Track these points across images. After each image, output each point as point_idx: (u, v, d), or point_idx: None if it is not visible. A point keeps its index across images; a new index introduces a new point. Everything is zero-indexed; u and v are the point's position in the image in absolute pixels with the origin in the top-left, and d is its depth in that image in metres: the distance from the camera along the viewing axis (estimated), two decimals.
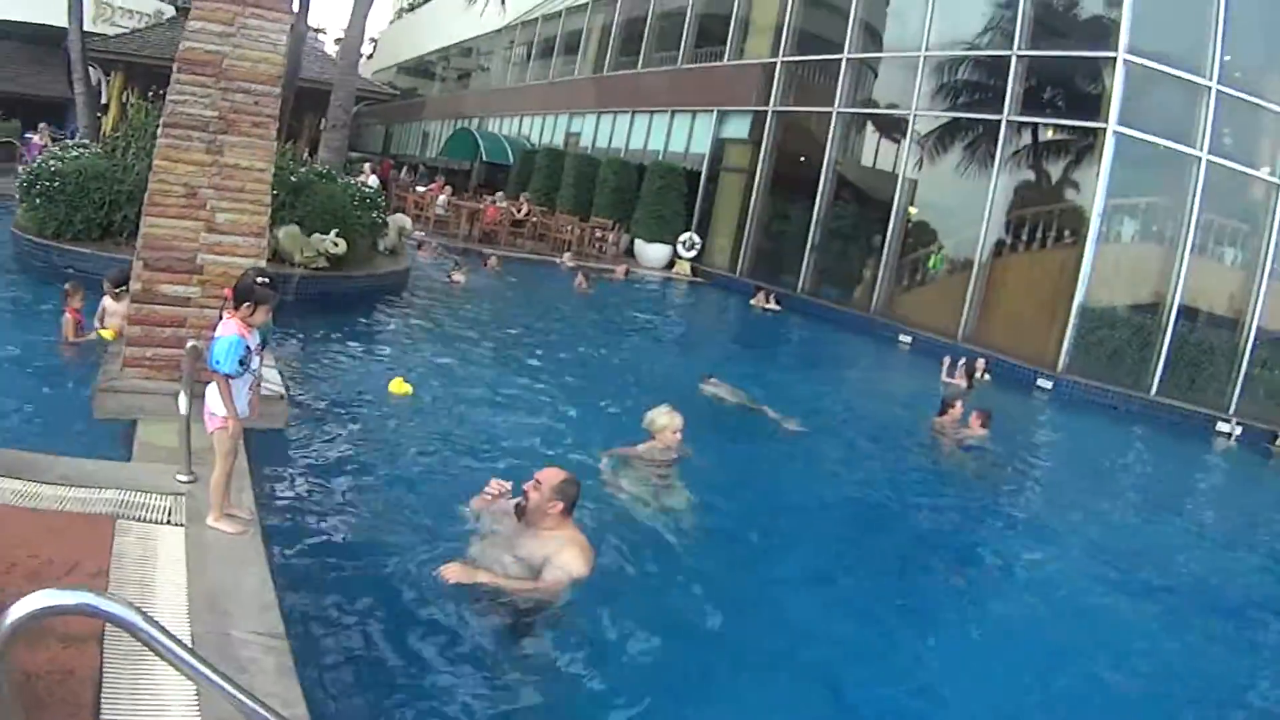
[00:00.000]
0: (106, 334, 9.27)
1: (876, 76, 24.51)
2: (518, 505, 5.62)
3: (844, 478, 9.66)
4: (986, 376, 16.17)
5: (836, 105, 23.94)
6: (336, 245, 13.42)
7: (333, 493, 6.57)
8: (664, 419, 7.88)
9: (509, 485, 5.89)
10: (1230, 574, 8.84)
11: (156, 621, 2.38)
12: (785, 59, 25.99)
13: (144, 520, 5.06)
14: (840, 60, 24.01)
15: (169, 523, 5.08)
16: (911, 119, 22.11)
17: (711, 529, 7.18)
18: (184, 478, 5.55)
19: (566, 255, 24.72)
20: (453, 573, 5.19)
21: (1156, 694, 5.93)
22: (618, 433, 8.60)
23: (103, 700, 3.42)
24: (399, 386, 9.22)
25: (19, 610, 2.29)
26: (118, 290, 9.22)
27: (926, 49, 21.80)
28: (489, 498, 5.93)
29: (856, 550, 7.68)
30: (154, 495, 5.35)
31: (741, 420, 10.66)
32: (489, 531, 5.76)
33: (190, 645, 2.81)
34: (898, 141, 22.92)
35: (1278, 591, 8.75)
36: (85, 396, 7.32)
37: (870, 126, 24.58)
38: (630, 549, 6.27)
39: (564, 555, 5.38)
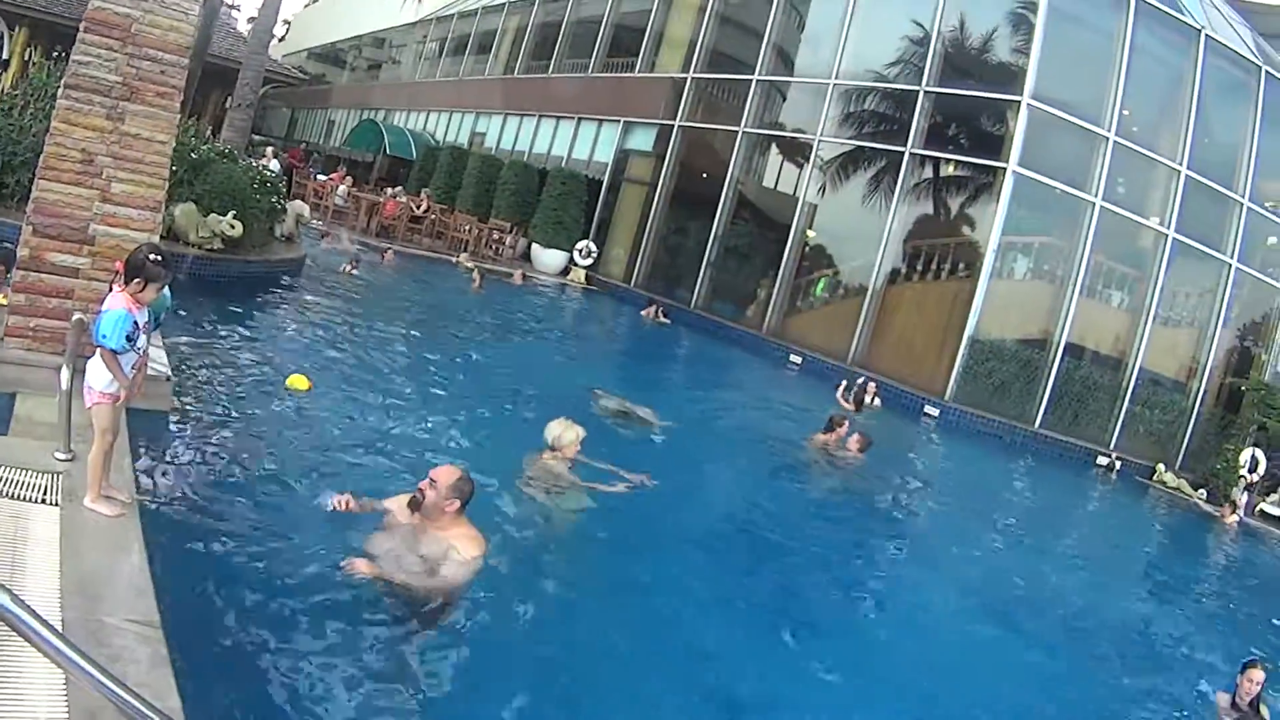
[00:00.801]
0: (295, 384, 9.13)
1: (785, 100, 24.30)
2: (413, 500, 5.58)
3: (727, 489, 9.85)
4: (877, 401, 16.02)
5: (743, 125, 23.63)
6: (233, 227, 12.97)
7: (217, 479, 6.35)
8: (570, 434, 7.77)
9: (352, 501, 5.78)
10: (1101, 600, 9.15)
11: (26, 604, 2.29)
12: (696, 75, 25.63)
13: (17, 498, 4.78)
14: (750, 81, 23.75)
15: (44, 501, 4.80)
16: (816, 144, 21.86)
17: (600, 537, 7.25)
18: (62, 455, 5.27)
19: (464, 255, 24.00)
20: (359, 568, 5.16)
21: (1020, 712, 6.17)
22: (506, 433, 8.82)
23: None
24: (298, 382, 8.83)
25: None
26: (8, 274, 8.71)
27: (836, 77, 21.60)
28: (340, 507, 5.78)
29: (735, 560, 7.80)
30: (29, 472, 5.06)
31: (628, 430, 10.45)
32: (385, 528, 5.69)
33: (60, 631, 2.66)
34: (801, 165, 22.66)
35: (1141, 615, 9.21)
36: None
37: (775, 148, 24.25)
38: (524, 556, 6.29)
39: (461, 551, 5.41)
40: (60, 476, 5.08)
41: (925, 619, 7.38)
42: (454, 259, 23.64)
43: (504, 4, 36.45)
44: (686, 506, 8.61)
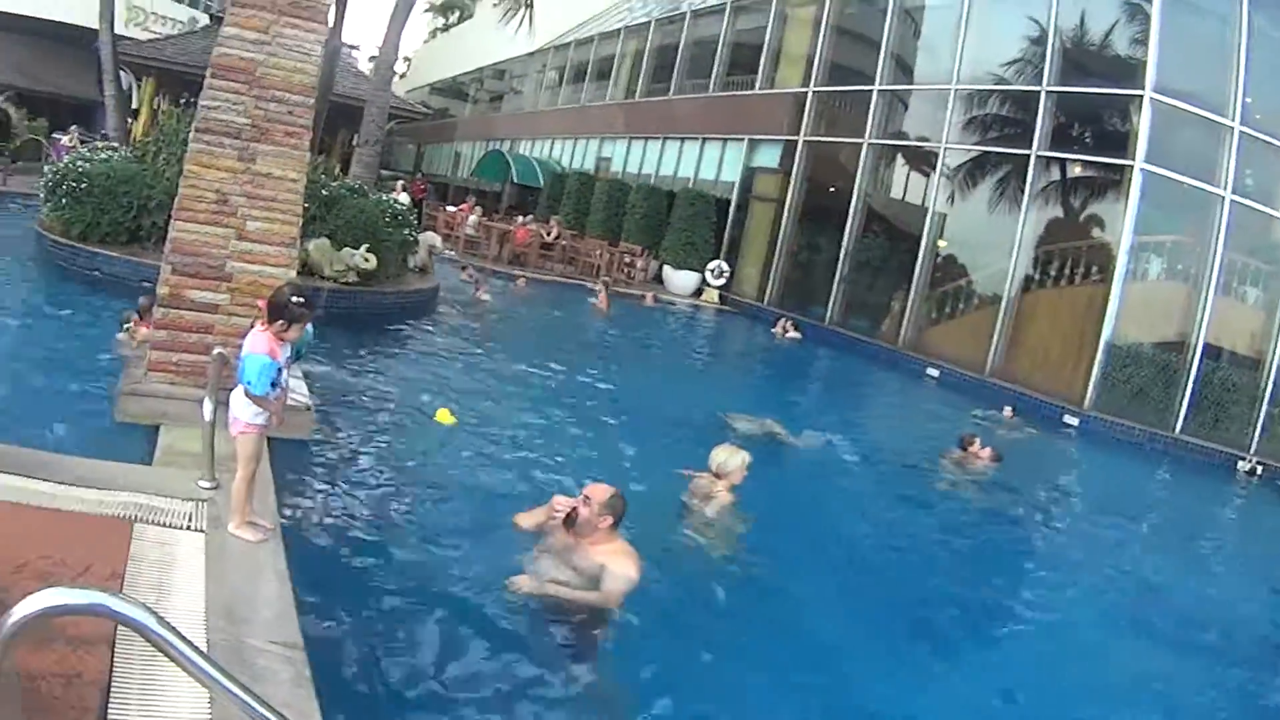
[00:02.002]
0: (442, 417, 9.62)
1: (907, 109, 24.83)
2: (567, 519, 5.81)
3: (868, 506, 9.95)
4: (1014, 415, 16.39)
5: (867, 136, 24.22)
6: (367, 261, 13.67)
7: (357, 504, 6.70)
8: (736, 459, 7.87)
9: (575, 502, 5.96)
10: (1247, 614, 8.94)
11: (171, 625, 2.34)
12: (816, 89, 26.38)
13: (163, 525, 5.04)
14: (871, 91, 24.34)
15: (189, 528, 5.08)
16: (941, 152, 22.39)
17: (750, 555, 7.35)
18: (206, 484, 5.59)
19: (603, 280, 24.82)
20: (522, 584, 5.48)
21: None
22: (646, 456, 9.05)
23: (110, 705, 3.35)
24: (444, 416, 9.22)
25: (27, 607, 2.24)
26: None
27: (957, 82, 22.11)
28: (557, 513, 5.99)
29: (881, 577, 7.91)
30: (174, 500, 5.36)
31: (767, 450, 10.44)
32: (540, 546, 5.97)
33: (205, 651, 2.78)
34: (927, 174, 23.18)
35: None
36: (108, 400, 7.47)
37: (900, 158, 24.81)
38: (677, 572, 6.58)
39: (619, 565, 5.63)
40: (204, 504, 5.34)
41: (1070, 635, 7.38)
42: (591, 285, 24.43)
43: (620, 29, 37.89)
44: (826, 525, 8.78)
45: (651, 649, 5.53)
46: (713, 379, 17.13)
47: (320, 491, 6.76)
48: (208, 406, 5.43)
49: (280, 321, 4.99)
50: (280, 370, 5.09)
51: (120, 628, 3.01)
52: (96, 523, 4.89)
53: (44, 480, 5.23)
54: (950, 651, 6.72)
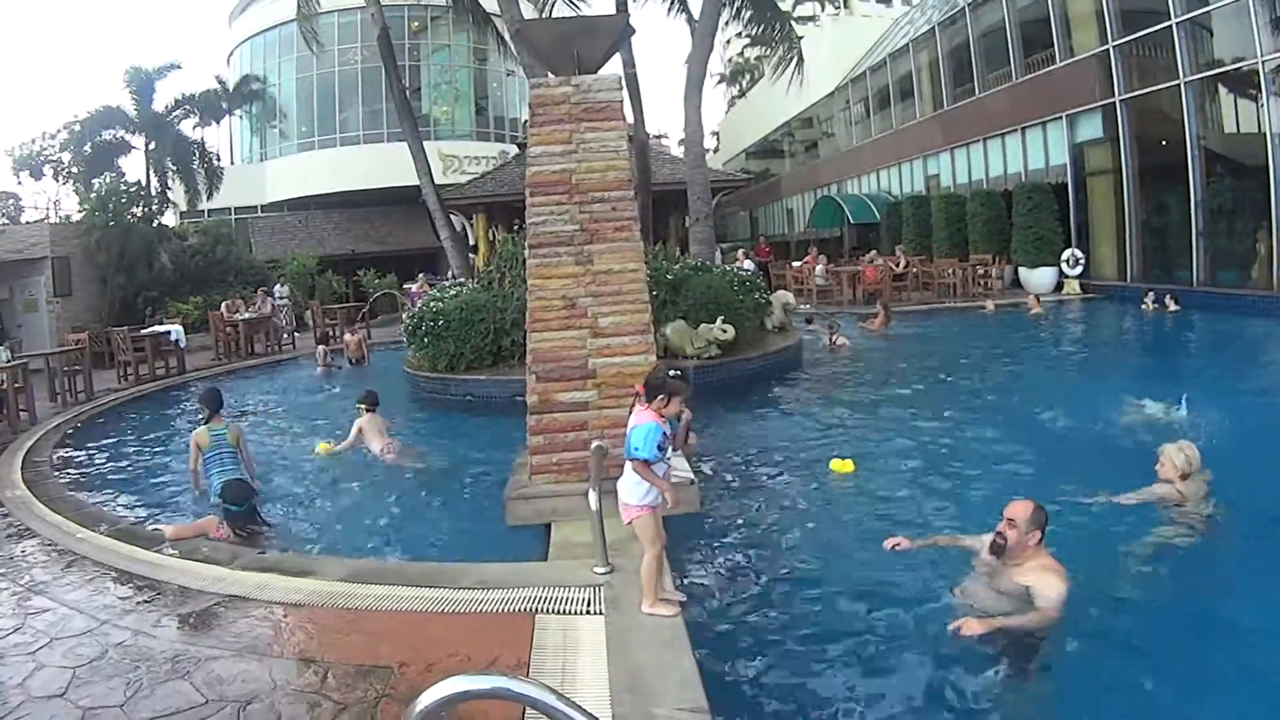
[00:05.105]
0: (322, 449, 11.55)
1: (1211, 33, 24.63)
2: (995, 546, 6.10)
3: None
4: None
5: (1181, 76, 24.47)
6: (725, 332, 15.03)
7: (754, 568, 7.18)
8: (1182, 456, 7.83)
9: (905, 542, 6.74)
10: None
11: (572, 701, 2.53)
12: (1116, 43, 27.04)
13: (564, 613, 5.64)
14: (1170, 27, 24.59)
15: (588, 613, 5.64)
16: (1260, 65, 21.88)
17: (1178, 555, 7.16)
18: (600, 570, 6.19)
19: (989, 302, 26.62)
20: (971, 626, 5.58)
21: None
22: (1053, 471, 9.22)
23: None
24: (841, 465, 9.69)
25: (432, 695, 2.51)
26: (367, 407, 11.45)
27: None
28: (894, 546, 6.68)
29: None
30: (572, 589, 5.98)
31: (1172, 436, 9.25)
32: (965, 579, 6.34)
33: None
34: (1254, 96, 22.96)
35: None
36: (497, 507, 8.25)
37: (1223, 88, 24.65)
38: (1120, 580, 6.69)
39: (1044, 582, 5.82)
40: (601, 589, 5.89)
41: None
42: (981, 307, 26.13)
43: (907, 44, 40.28)
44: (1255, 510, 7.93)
45: (1084, 659, 5.59)
46: (1094, 375, 16.99)
47: (717, 560, 7.34)
48: (593, 497, 6.06)
49: (660, 397, 5.63)
50: (665, 436, 5.66)
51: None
52: (501, 619, 5.62)
53: (446, 588, 6.21)
54: None
